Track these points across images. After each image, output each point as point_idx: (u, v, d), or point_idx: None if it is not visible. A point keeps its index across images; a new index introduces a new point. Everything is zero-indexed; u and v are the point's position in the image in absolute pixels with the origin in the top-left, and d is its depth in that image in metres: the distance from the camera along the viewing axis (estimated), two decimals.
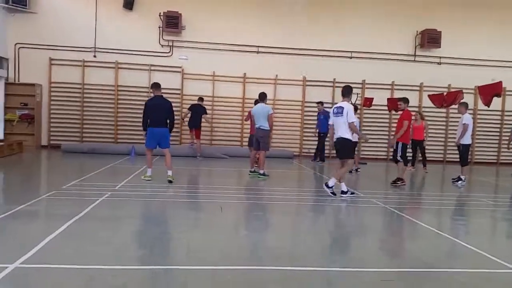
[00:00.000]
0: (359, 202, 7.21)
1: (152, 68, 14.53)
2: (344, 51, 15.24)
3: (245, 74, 14.83)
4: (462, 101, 10.34)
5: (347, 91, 7.48)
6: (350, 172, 10.95)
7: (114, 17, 14.36)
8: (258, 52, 14.93)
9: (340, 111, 7.30)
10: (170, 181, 8.07)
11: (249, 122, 11.20)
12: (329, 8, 15.19)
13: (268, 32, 14.90)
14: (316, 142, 13.76)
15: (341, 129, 7.33)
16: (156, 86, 8.45)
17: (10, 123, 14.00)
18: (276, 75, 15.00)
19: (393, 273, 3.86)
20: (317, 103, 13.75)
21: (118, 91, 14.45)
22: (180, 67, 14.68)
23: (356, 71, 15.13)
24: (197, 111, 13.00)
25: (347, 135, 7.30)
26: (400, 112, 9.39)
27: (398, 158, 9.11)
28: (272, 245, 4.56)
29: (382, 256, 4.48)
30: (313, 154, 14.16)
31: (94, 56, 14.35)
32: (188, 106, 13.44)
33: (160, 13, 14.26)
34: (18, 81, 14.15)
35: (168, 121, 8.27)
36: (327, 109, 13.20)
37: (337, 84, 15.24)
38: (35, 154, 12.92)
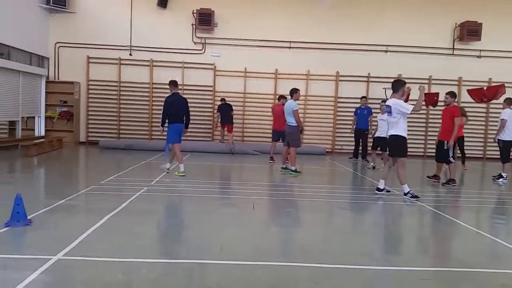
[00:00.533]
0: (394, 200, 7.05)
1: (185, 65, 14.73)
2: (379, 44, 14.90)
3: (276, 70, 14.78)
4: (506, 96, 9.85)
5: (395, 86, 7.21)
6: (373, 168, 10.83)
7: (149, 15, 14.64)
8: (290, 47, 14.83)
9: (389, 110, 7.07)
10: (181, 174, 8.41)
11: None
12: (362, 0, 14.88)
13: (300, 27, 14.78)
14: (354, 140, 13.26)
15: (395, 127, 7.07)
16: (174, 83, 8.82)
17: (50, 120, 14.59)
18: (308, 71, 14.86)
19: (430, 272, 3.75)
20: (362, 98, 13.19)
21: (152, 89, 14.75)
22: (213, 64, 14.81)
23: (392, 65, 14.77)
24: (225, 108, 13.51)
25: (402, 132, 7.00)
26: (441, 107, 8.98)
27: (450, 159, 8.45)
28: (303, 242, 4.53)
29: (419, 255, 4.36)
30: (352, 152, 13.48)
31: (130, 55, 14.70)
32: (219, 103, 13.71)
33: (193, 10, 14.42)
34: (58, 79, 14.71)
35: (184, 117, 8.67)
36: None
37: (371, 79, 14.95)
38: (74, 150, 13.41)
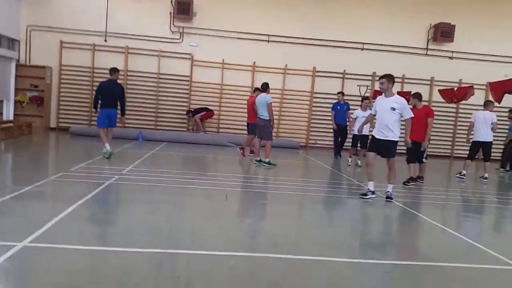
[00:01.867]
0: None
1: (162, 54, 14.52)
2: (355, 42, 15.10)
3: (254, 62, 14.77)
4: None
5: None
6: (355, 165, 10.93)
7: (126, 2, 14.33)
8: (268, 41, 14.84)
9: (395, 107, 6.47)
10: (106, 156, 8.68)
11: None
12: None
13: (279, 21, 14.79)
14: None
15: (391, 129, 6.57)
16: (112, 70, 9.10)
17: (20, 104, 14.12)
18: (286, 65, 14.92)
19: (396, 266, 3.88)
20: (339, 93, 12.57)
21: (127, 76, 14.49)
22: (190, 54, 14.66)
23: (367, 63, 15.00)
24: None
25: (397, 137, 6.60)
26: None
27: (424, 159, 8.59)
28: (276, 233, 4.59)
29: (386, 249, 4.49)
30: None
31: (105, 41, 14.37)
32: (197, 93, 13.76)
33: None
34: (29, 63, 14.24)
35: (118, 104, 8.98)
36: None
37: (347, 76, 15.15)
38: (43, 136, 13.06)
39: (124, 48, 14.39)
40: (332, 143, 12.92)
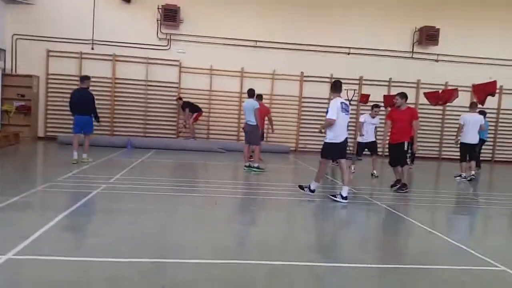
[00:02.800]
0: (354, 199, 7.28)
1: (150, 61, 14.52)
2: (342, 47, 15.25)
3: (242, 68, 14.83)
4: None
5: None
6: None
7: (112, 9, 14.32)
8: (256, 46, 14.92)
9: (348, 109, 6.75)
10: (74, 162, 9.01)
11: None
12: (327, 4, 15.17)
13: (266, 27, 14.89)
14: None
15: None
16: (82, 78, 9.63)
17: (6, 114, 13.99)
18: (274, 70, 15.00)
19: (383, 269, 3.92)
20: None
21: (115, 84, 14.45)
22: (178, 60, 14.67)
23: (354, 67, 15.16)
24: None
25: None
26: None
27: (408, 160, 8.62)
28: (262, 240, 4.61)
29: (372, 253, 4.54)
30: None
31: (92, 49, 14.33)
32: (184, 99, 13.80)
33: (158, 6, 14.24)
34: (15, 72, 14.13)
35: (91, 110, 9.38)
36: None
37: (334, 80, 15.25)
38: (31, 145, 12.94)
39: (112, 55, 14.36)
40: None
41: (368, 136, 10.15)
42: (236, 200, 6.86)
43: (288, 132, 15.40)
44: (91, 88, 14.25)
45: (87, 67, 14.26)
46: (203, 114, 14.63)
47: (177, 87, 14.69)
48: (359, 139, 10.35)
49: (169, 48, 14.67)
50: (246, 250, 4.31)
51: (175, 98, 14.48)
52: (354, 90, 14.22)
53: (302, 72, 15.18)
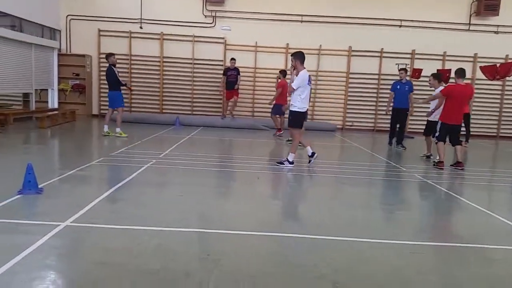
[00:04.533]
0: (402, 176, 7.09)
1: (195, 39, 14.65)
2: (393, 19, 14.57)
3: (287, 44, 14.62)
4: None
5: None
6: None
7: None
8: (302, 21, 14.60)
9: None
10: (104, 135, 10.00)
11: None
12: None
13: (312, 1, 14.50)
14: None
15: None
16: (106, 56, 10.22)
17: (63, 93, 14.76)
18: (320, 45, 14.66)
19: (425, 246, 3.82)
20: (401, 70, 10.66)
21: (163, 62, 14.76)
22: (223, 38, 14.69)
23: (405, 40, 14.50)
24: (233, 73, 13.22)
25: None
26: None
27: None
28: (303, 215, 4.62)
29: (416, 230, 4.41)
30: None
31: (140, 28, 14.66)
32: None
33: None
34: (70, 52, 14.79)
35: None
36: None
37: (384, 55, 14.71)
38: (86, 122, 13.62)
39: (159, 34, 14.63)
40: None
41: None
42: (278, 176, 6.88)
43: (335, 109, 15.10)
44: (140, 66, 14.88)
45: (136, 46, 14.66)
46: (248, 90, 14.62)
47: (222, 65, 14.76)
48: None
49: (214, 26, 14.71)
50: (287, 224, 4.34)
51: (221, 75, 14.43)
52: (406, 64, 13.64)
53: (350, 47, 14.72)
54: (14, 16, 11.98)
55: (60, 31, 14.61)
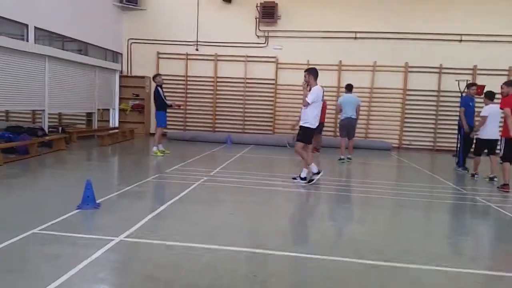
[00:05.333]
0: (454, 198, 6.65)
1: (248, 59, 14.90)
2: (451, 34, 13.97)
3: (340, 61, 14.44)
4: None
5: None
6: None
7: (214, 10, 14.99)
8: (355, 38, 14.40)
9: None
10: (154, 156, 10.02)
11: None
12: None
13: (366, 17, 14.28)
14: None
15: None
16: (153, 77, 10.52)
17: (124, 112, 15.55)
18: (375, 62, 14.34)
19: (489, 276, 3.49)
20: (472, 85, 9.89)
21: (216, 82, 15.13)
22: (275, 57, 14.83)
23: (466, 55, 13.81)
24: None
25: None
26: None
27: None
28: (356, 238, 4.43)
29: (478, 258, 4.06)
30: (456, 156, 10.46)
31: (196, 50, 15.18)
32: (282, 95, 13.73)
33: (257, 4, 14.52)
34: (131, 73, 15.62)
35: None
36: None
37: (444, 70, 14.09)
38: (144, 140, 14.19)
39: (214, 55, 15.05)
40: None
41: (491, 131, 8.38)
42: (329, 196, 6.69)
43: (391, 127, 14.60)
44: (196, 86, 15.34)
45: (192, 67, 15.18)
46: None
47: (273, 83, 14.86)
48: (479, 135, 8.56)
49: (266, 45, 14.90)
50: (340, 247, 4.16)
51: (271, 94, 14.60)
52: (467, 80, 12.94)
53: (406, 63, 14.26)
54: (81, 41, 12.89)
55: (121, 54, 15.51)
